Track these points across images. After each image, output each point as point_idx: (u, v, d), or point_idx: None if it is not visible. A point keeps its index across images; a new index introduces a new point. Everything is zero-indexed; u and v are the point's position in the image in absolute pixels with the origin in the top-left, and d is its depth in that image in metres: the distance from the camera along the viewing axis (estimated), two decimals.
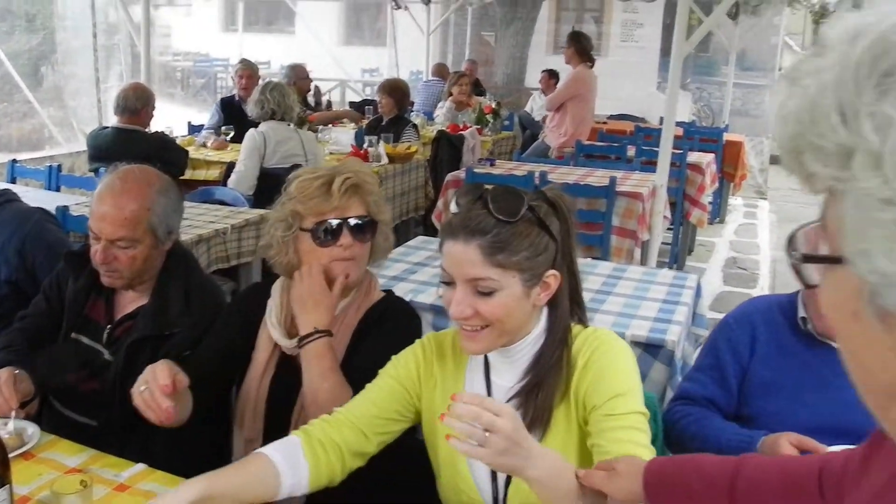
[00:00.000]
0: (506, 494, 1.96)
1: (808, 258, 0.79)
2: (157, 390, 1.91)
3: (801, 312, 2.28)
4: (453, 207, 1.90)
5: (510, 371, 1.96)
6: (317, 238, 2.33)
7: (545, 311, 1.96)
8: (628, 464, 1.65)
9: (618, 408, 1.84)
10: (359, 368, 2.18)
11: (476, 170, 6.02)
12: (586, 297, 3.38)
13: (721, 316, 5.43)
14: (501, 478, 1.96)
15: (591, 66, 8.66)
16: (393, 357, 2.10)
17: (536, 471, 1.63)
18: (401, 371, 2.06)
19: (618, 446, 1.79)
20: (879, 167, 0.63)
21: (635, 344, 3.04)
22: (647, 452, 1.80)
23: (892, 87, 0.64)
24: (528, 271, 1.84)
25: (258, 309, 2.48)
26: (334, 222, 2.33)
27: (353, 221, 2.35)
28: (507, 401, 1.92)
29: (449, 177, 6.10)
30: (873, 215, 0.64)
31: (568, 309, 1.97)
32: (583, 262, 4.13)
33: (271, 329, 2.41)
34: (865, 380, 0.78)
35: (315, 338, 2.28)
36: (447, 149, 7.42)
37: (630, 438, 1.81)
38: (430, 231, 6.32)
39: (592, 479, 1.66)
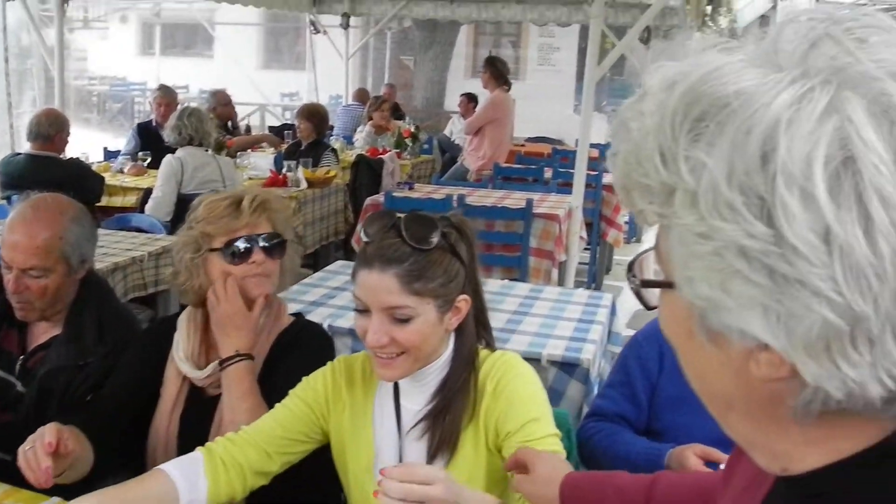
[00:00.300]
0: None
1: (646, 283, 0.85)
2: (41, 449, 1.85)
3: None
4: (363, 237, 1.89)
5: (419, 395, 1.97)
6: (228, 257, 2.29)
7: (452, 335, 1.97)
8: (548, 468, 1.65)
9: (534, 433, 1.86)
10: (273, 394, 2.15)
11: (395, 194, 6.06)
12: (503, 318, 3.51)
13: None
14: None
15: (508, 90, 8.78)
16: (304, 378, 2.09)
17: None
18: (309, 393, 2.05)
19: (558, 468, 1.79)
20: (696, 205, 0.68)
21: (551, 363, 3.10)
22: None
23: (703, 132, 0.69)
24: (441, 297, 1.86)
25: (166, 343, 2.43)
26: (245, 240, 2.30)
27: (263, 240, 2.32)
28: (416, 424, 1.95)
29: (368, 201, 6.13)
30: (692, 248, 0.70)
31: (474, 332, 2.00)
32: (500, 284, 4.22)
33: (179, 363, 2.37)
34: (705, 391, 0.84)
35: (236, 361, 2.26)
36: (366, 173, 7.44)
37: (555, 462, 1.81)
38: (350, 255, 6.34)
39: (518, 486, 1.68)
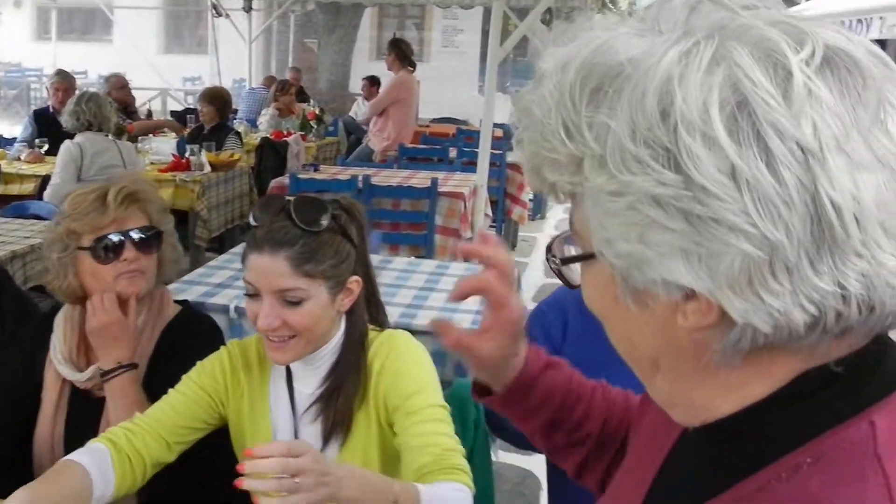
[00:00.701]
0: None
1: (566, 260, 0.88)
2: None
3: None
4: (252, 221, 1.88)
5: (311, 378, 1.97)
6: (97, 256, 2.17)
7: (343, 316, 1.98)
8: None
9: (416, 404, 1.87)
10: (163, 392, 2.02)
11: (300, 175, 6.05)
12: (410, 294, 3.56)
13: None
14: None
15: (413, 72, 8.81)
16: (198, 363, 2.04)
17: (350, 490, 1.58)
18: (205, 378, 2.00)
19: (421, 439, 1.83)
20: (604, 166, 0.71)
21: None
22: (452, 441, 1.84)
23: (602, 100, 0.72)
24: (333, 279, 1.87)
25: (43, 344, 2.29)
26: (114, 237, 2.17)
27: (135, 234, 2.20)
28: (309, 407, 1.96)
29: (273, 183, 6.12)
30: (606, 206, 0.72)
31: (365, 314, 2.01)
32: (407, 261, 4.26)
33: (58, 366, 2.24)
34: (633, 356, 0.87)
35: (119, 373, 2.16)
36: (271, 156, 7.42)
37: (433, 430, 1.86)
38: None
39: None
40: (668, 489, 0.96)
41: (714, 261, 0.68)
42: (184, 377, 2.01)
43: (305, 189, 5.77)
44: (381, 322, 2.08)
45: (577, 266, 0.88)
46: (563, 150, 0.75)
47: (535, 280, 7.61)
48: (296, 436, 1.99)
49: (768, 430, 0.79)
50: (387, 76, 9.28)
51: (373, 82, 10.88)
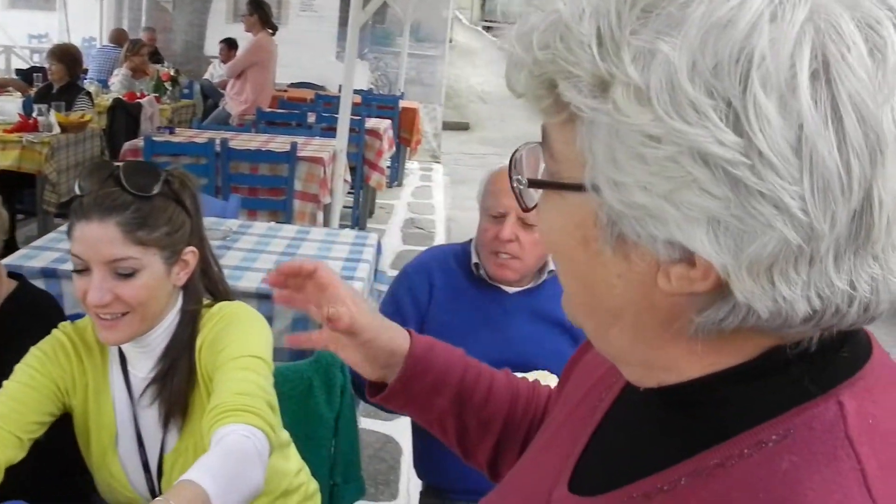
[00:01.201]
0: (160, 485, 1.92)
1: (537, 184, 0.78)
2: None
3: (475, 259, 2.44)
4: (77, 190, 1.76)
5: (145, 360, 1.88)
6: None
7: (180, 294, 1.90)
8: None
9: (222, 359, 1.78)
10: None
11: (155, 138, 5.92)
12: (270, 259, 3.57)
13: None
14: (153, 469, 1.92)
15: (273, 34, 8.71)
16: (34, 349, 1.89)
17: None
18: (51, 367, 1.87)
19: (220, 386, 1.73)
20: (648, 103, 0.61)
21: None
22: (250, 386, 1.71)
23: (657, 17, 0.63)
24: (168, 248, 1.79)
25: None
26: None
27: None
28: (145, 390, 1.87)
29: (126, 146, 5.96)
30: (638, 150, 0.63)
31: (200, 288, 1.94)
32: (267, 226, 4.26)
33: None
34: (590, 303, 0.78)
35: None
36: (124, 118, 7.23)
37: (233, 377, 1.73)
38: None
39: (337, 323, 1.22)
40: (607, 453, 0.91)
41: (746, 238, 0.62)
42: (22, 366, 1.85)
43: (161, 152, 5.66)
44: (221, 295, 2.00)
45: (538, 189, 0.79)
46: (588, 66, 0.65)
47: (393, 247, 7.69)
48: (136, 423, 1.91)
49: (730, 402, 0.74)
50: (244, 39, 9.14)
51: (231, 45, 10.65)
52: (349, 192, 7.49)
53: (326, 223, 6.02)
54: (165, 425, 1.86)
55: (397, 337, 1.26)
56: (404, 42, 12.47)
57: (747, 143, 0.59)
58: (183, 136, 6.51)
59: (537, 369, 2.27)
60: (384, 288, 3.94)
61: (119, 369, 1.91)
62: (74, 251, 1.74)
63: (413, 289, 2.49)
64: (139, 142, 5.93)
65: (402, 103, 10.31)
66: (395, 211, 9.44)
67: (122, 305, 1.75)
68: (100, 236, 1.71)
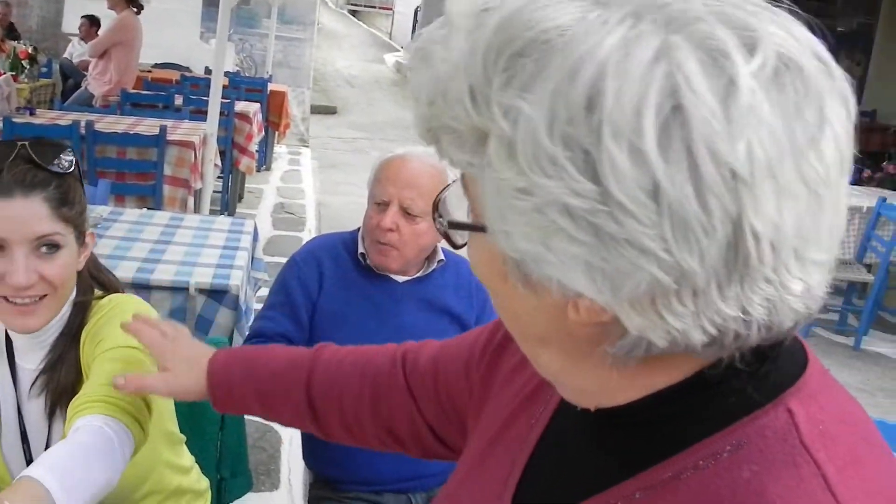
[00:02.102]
0: None
1: (454, 225, 0.80)
2: None
3: (361, 249, 2.44)
4: None
5: (37, 351, 1.79)
6: None
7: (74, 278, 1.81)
8: (187, 361, 1.42)
9: (102, 348, 1.70)
10: None
11: (15, 119, 5.66)
12: (145, 248, 3.48)
13: (275, 259, 5.64)
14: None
15: (139, 13, 8.45)
16: None
17: None
18: None
19: (99, 378, 1.63)
20: (513, 157, 0.63)
21: (200, 291, 3.12)
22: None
23: (518, 72, 0.64)
24: (79, 228, 1.74)
25: None
26: None
27: None
28: (34, 383, 1.79)
29: None
30: (511, 202, 0.65)
31: (89, 277, 1.87)
32: (139, 213, 4.14)
33: None
34: (518, 330, 0.82)
35: None
36: None
37: (98, 370, 1.66)
38: None
39: (143, 383, 1.45)
40: (549, 473, 0.91)
41: (619, 279, 0.63)
42: None
43: (22, 134, 5.42)
44: (109, 285, 1.93)
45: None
46: (466, 120, 0.67)
47: (264, 232, 7.57)
48: (19, 413, 1.82)
49: (676, 418, 0.76)
50: (107, 16, 8.83)
51: (93, 22, 10.28)
52: (219, 177, 7.34)
53: (197, 209, 5.89)
54: (51, 417, 1.78)
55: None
56: (272, 24, 12.29)
57: (604, 191, 0.60)
58: (44, 117, 6.26)
59: None
60: (261, 275, 3.90)
61: (5, 362, 1.81)
62: None
63: (302, 277, 2.47)
64: None
65: (270, 86, 10.16)
66: (265, 196, 9.30)
67: (45, 286, 1.68)
68: (25, 213, 1.64)
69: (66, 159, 1.71)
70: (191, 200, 5.83)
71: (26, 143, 1.69)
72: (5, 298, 1.67)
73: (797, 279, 0.64)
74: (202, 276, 3.19)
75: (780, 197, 0.61)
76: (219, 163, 6.45)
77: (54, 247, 1.68)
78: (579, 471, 0.85)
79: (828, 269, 0.67)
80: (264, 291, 5.44)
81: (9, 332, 1.80)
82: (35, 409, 1.80)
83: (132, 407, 1.59)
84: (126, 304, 1.82)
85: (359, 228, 2.52)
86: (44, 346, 1.78)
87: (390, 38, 29.20)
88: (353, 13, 33.99)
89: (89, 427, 1.50)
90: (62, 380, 1.76)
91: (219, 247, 3.61)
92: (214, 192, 6.99)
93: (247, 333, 2.59)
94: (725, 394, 0.74)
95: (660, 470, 0.75)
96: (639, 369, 0.73)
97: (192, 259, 3.40)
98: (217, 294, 3.14)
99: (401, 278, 2.45)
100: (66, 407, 1.70)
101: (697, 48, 0.60)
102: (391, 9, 30.80)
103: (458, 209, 0.80)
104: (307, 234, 7.83)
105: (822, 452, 0.70)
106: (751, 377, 0.72)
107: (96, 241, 1.86)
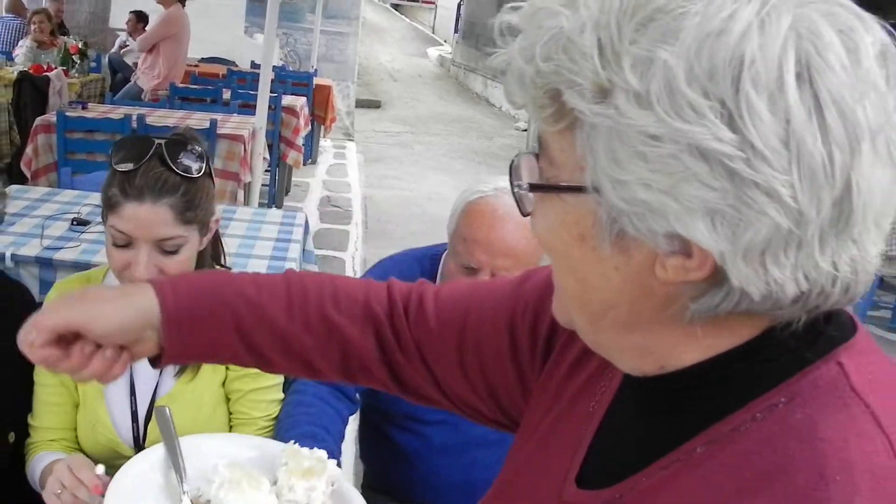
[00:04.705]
0: (145, 433, 1.98)
1: (538, 187, 0.82)
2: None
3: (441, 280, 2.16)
4: (120, 166, 1.79)
5: None
6: None
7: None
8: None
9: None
10: None
11: (69, 114, 5.72)
12: None
13: (323, 252, 5.64)
14: (142, 418, 1.97)
15: (184, 6, 8.52)
16: None
17: None
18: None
19: (256, 412, 2.01)
20: (648, 106, 0.67)
21: None
22: (275, 406, 2.04)
23: (654, 28, 0.68)
24: (204, 222, 1.87)
25: None
26: None
27: None
28: None
29: (38, 121, 5.76)
30: (638, 150, 0.68)
31: (210, 251, 2.01)
32: None
33: None
34: (582, 296, 0.83)
35: None
36: (31, 91, 7.00)
37: (266, 398, 2.02)
38: (17, 179, 5.94)
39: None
40: (615, 446, 0.93)
41: (742, 226, 0.67)
42: (39, 374, 1.97)
43: (74, 128, 5.49)
44: (219, 256, 2.10)
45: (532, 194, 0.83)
46: (590, 75, 0.70)
47: (311, 226, 7.61)
48: (131, 375, 1.96)
49: (733, 379, 0.79)
50: (154, 11, 8.91)
51: (140, 18, 10.39)
52: (266, 170, 7.39)
53: (246, 202, 5.92)
54: (179, 374, 1.96)
55: (142, 307, 1.10)
56: (317, 18, 12.34)
57: (741, 138, 0.66)
58: (96, 111, 6.31)
59: None
60: (311, 268, 3.91)
61: None
62: (122, 228, 1.78)
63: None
64: (51, 117, 5.72)
65: (316, 80, 10.21)
66: (311, 189, 9.35)
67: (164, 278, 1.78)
68: (152, 218, 1.77)
69: (197, 162, 1.81)
70: (240, 193, 5.86)
71: (162, 142, 1.80)
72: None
73: (873, 244, 0.71)
74: (256, 268, 3.19)
75: (876, 162, 0.68)
76: (267, 156, 6.49)
77: (175, 246, 1.82)
78: (641, 441, 0.88)
79: (883, 242, 0.73)
80: None
81: None
82: (146, 367, 1.86)
83: None
84: None
85: (439, 257, 2.23)
86: None
87: (433, 33, 29.21)
88: (396, 7, 34.06)
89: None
90: None
91: (272, 239, 3.62)
92: (262, 185, 7.04)
93: None
94: (780, 355, 0.78)
95: (720, 426, 0.79)
96: (708, 328, 0.77)
97: (247, 251, 3.42)
98: None
99: None
100: (192, 369, 1.95)
101: (825, 18, 0.68)
102: (434, 3, 30.81)
103: (530, 178, 0.83)
104: (354, 228, 7.86)
105: (872, 396, 0.75)
106: (802, 340, 0.77)
107: (220, 222, 1.99)
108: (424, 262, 2.25)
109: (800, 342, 0.77)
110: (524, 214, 0.85)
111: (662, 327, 0.80)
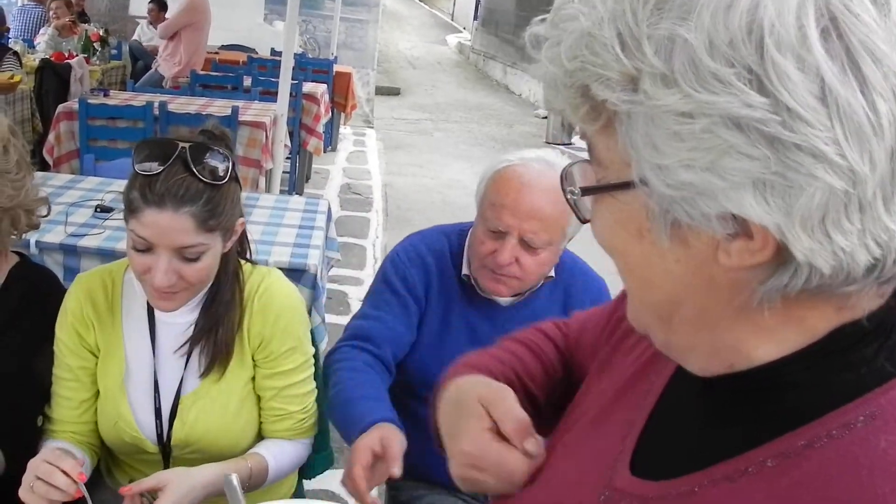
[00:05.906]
0: (170, 431, 1.97)
1: (589, 190, 0.81)
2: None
3: (465, 270, 2.24)
4: (142, 170, 1.73)
5: (181, 313, 1.93)
6: None
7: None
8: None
9: (289, 364, 1.98)
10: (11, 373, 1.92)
11: (90, 101, 5.73)
12: None
13: (343, 239, 5.60)
14: (165, 415, 1.97)
15: None
16: (59, 332, 1.96)
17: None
18: (73, 346, 1.95)
19: (285, 407, 2.02)
20: (673, 84, 0.66)
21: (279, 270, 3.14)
22: (307, 401, 2.07)
23: (668, 10, 0.67)
24: (228, 227, 1.83)
25: None
26: None
27: None
28: (186, 342, 1.94)
29: (61, 108, 5.77)
30: (672, 130, 0.67)
31: (236, 253, 1.98)
32: None
33: None
34: (647, 294, 0.82)
35: None
36: (53, 79, 7.01)
37: (295, 392, 2.02)
38: (41, 166, 5.96)
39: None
40: (670, 438, 0.91)
41: (793, 193, 0.64)
42: (59, 359, 1.97)
43: (96, 115, 5.50)
44: (245, 254, 2.07)
45: (588, 199, 0.83)
46: (616, 66, 0.70)
47: (333, 213, 7.62)
48: (155, 370, 1.96)
49: (808, 384, 0.76)
50: (172, 1, 8.92)
51: (160, 6, 10.40)
52: (287, 157, 7.38)
53: (268, 188, 5.92)
54: (206, 373, 1.94)
55: None
56: (336, 5, 12.31)
57: (774, 101, 0.63)
58: (118, 98, 6.32)
59: None
60: (334, 255, 3.91)
61: (145, 320, 1.97)
62: (142, 234, 1.74)
63: (410, 280, 2.26)
64: (73, 104, 5.73)
65: (336, 68, 10.18)
66: (331, 176, 9.35)
67: (183, 284, 1.80)
68: (172, 226, 1.72)
69: (224, 163, 1.76)
70: (262, 180, 5.87)
71: (186, 146, 1.74)
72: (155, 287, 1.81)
73: None
74: (280, 255, 3.22)
75: None
76: (288, 143, 6.48)
77: (196, 254, 1.78)
78: (700, 438, 0.86)
79: None
80: (336, 271, 5.52)
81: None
82: (172, 368, 1.96)
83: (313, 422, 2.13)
84: (280, 285, 2.02)
85: (467, 231, 2.28)
86: (188, 308, 1.93)
87: (452, 20, 29.14)
88: None
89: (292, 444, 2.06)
90: (219, 343, 1.92)
91: (295, 226, 3.63)
92: (283, 172, 7.04)
93: (347, 332, 2.28)
94: (856, 364, 0.74)
95: (792, 438, 0.75)
96: (778, 318, 0.74)
97: (270, 238, 3.42)
98: (295, 273, 3.14)
99: (506, 300, 2.24)
100: (221, 366, 1.94)
101: None
102: None
103: (584, 182, 0.82)
104: (374, 216, 7.86)
105: None
106: (881, 348, 0.73)
107: (245, 224, 1.96)
108: (452, 237, 2.32)
109: (877, 350, 0.73)
110: (583, 222, 0.85)
111: (731, 322, 0.77)
